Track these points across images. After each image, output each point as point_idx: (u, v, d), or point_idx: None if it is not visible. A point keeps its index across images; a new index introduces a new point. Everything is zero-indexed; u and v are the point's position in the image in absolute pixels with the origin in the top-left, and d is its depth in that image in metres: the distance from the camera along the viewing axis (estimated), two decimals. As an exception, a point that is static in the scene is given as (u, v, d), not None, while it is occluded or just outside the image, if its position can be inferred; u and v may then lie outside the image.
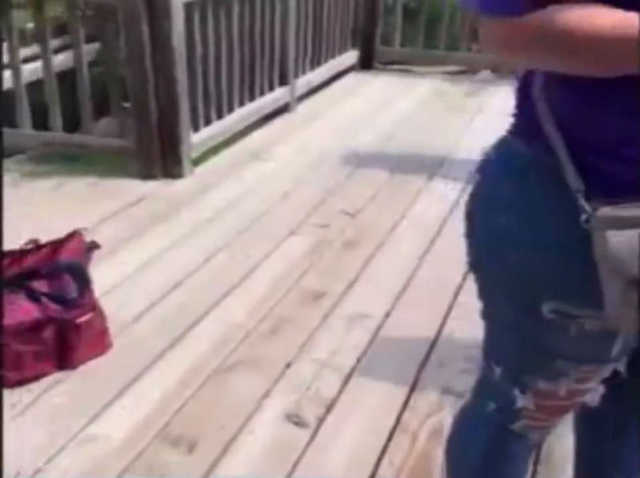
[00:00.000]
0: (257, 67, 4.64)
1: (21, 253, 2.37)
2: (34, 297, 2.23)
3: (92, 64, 4.33)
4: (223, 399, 2.24)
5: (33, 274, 2.28)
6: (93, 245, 2.39)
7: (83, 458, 1.99)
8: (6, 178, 3.80)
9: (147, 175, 3.91)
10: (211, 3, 3.96)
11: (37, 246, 2.40)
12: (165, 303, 2.76)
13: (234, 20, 4.23)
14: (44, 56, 3.93)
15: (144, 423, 2.13)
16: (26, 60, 4.21)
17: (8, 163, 4.07)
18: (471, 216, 1.21)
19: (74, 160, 4.15)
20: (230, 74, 4.34)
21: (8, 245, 2.53)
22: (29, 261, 2.35)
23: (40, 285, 2.25)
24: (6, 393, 2.21)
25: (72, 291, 2.28)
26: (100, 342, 2.39)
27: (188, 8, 3.71)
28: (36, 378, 2.28)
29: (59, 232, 2.99)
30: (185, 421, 2.15)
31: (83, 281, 2.30)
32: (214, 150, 4.32)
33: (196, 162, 4.11)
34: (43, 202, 3.63)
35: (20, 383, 2.25)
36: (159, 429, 2.11)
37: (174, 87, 3.71)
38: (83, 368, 2.35)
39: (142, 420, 2.15)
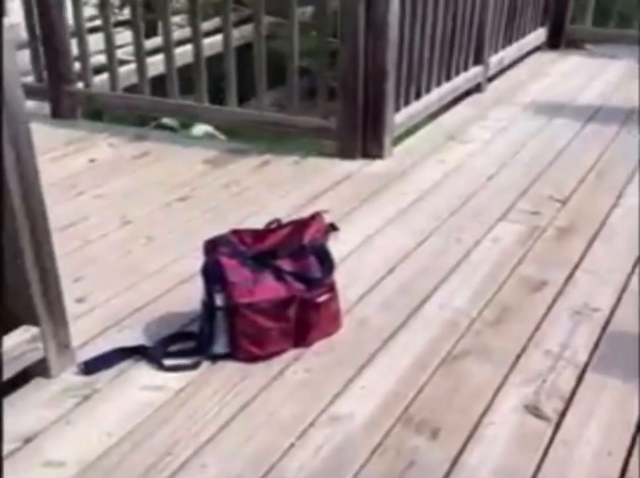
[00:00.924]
0: (456, 46, 4.59)
1: (264, 232, 2.44)
2: (279, 275, 2.29)
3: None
4: (459, 387, 2.24)
5: (277, 253, 2.34)
6: (333, 228, 2.43)
7: (332, 435, 2.03)
8: (210, 155, 3.94)
9: (346, 155, 3.94)
10: (424, -20, 3.94)
11: (279, 226, 2.46)
12: (386, 284, 2.78)
13: (440, 0, 4.19)
14: (225, 28, 4.02)
15: (384, 406, 2.15)
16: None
17: (210, 142, 4.21)
18: None
19: (276, 139, 4.25)
20: (432, 53, 4.31)
21: (254, 223, 2.63)
22: (272, 240, 2.40)
23: (284, 264, 2.31)
24: (248, 367, 2.29)
25: (316, 271, 2.32)
26: (334, 322, 2.44)
27: (403, -13, 3.71)
28: (275, 354, 2.34)
29: (271, 210, 3.10)
30: (425, 405, 2.16)
31: (327, 263, 2.34)
32: (410, 130, 4.31)
33: (394, 142, 4.11)
34: (251, 179, 3.72)
35: (261, 358, 2.32)
36: (400, 412, 2.12)
37: (384, 68, 3.71)
38: (316, 347, 2.40)
39: (382, 402, 2.17)
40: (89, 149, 4.05)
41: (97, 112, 4.61)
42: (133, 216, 3.28)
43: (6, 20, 1.85)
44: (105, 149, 4.05)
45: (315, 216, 2.44)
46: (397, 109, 4.05)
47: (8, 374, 2.12)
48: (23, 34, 4.27)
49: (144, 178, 3.68)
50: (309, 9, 5.57)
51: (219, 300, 2.28)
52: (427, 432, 2.06)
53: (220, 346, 2.32)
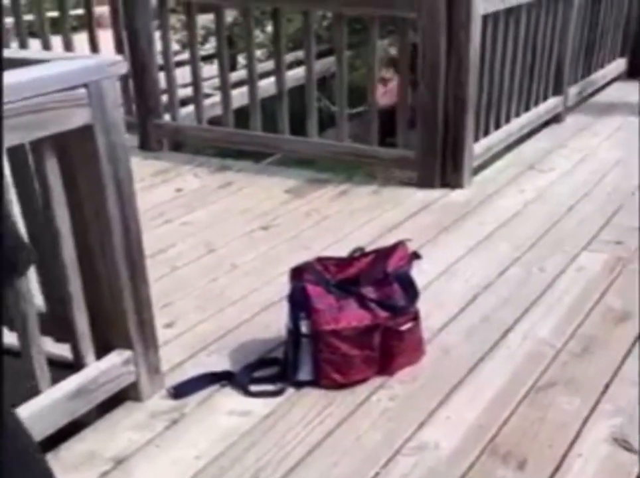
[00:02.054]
0: (535, 77, 4.58)
1: (348, 260, 2.47)
2: (364, 303, 2.31)
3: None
4: (545, 418, 2.22)
5: (361, 281, 2.37)
6: (416, 256, 2.44)
7: (418, 465, 2.04)
8: (291, 184, 4.00)
9: (425, 184, 3.95)
10: (503, 14, 3.95)
11: (362, 254, 2.49)
12: (468, 313, 2.78)
13: (521, 30, 4.20)
14: (307, 62, 4.10)
15: (470, 436, 2.15)
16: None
17: (291, 171, 4.28)
18: None
19: (355, 168, 4.30)
20: (511, 84, 4.31)
21: (334, 251, 2.67)
22: (356, 268, 2.43)
23: (368, 292, 2.33)
24: (333, 394, 2.31)
25: (400, 299, 2.34)
26: (417, 350, 2.45)
27: (484, 19, 3.73)
28: (359, 382, 2.36)
29: (351, 239, 3.13)
30: (510, 437, 2.14)
31: (411, 291, 2.35)
32: (489, 160, 4.31)
33: (473, 172, 4.11)
34: (331, 208, 3.77)
35: (345, 386, 2.34)
36: (486, 442, 2.12)
37: (464, 99, 3.73)
38: (400, 375, 2.41)
39: (467, 432, 2.16)
40: (175, 179, 4.16)
41: (178, 142, 4.73)
42: (218, 244, 3.35)
43: (111, 55, 1.95)
44: (191, 179, 4.16)
45: (398, 244, 2.47)
46: (476, 139, 4.06)
47: (102, 396, 2.19)
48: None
49: (228, 207, 3.76)
50: (385, 42, 5.64)
51: (304, 327, 2.31)
52: (513, 463, 2.04)
53: (304, 373, 2.35)
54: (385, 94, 5.53)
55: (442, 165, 3.93)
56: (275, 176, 4.19)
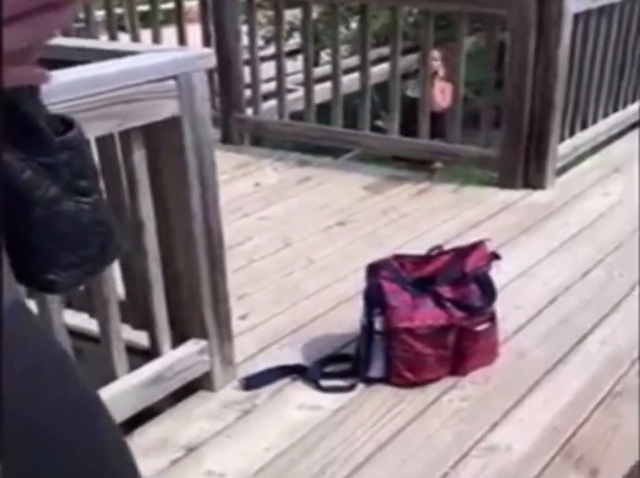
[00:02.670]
0: (625, 77, 4.45)
1: (426, 258, 2.45)
2: (439, 302, 2.29)
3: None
4: (620, 426, 2.16)
5: (437, 280, 2.35)
6: (495, 256, 2.41)
7: (488, 466, 2.01)
8: (369, 181, 3.99)
9: (506, 184, 3.89)
10: (595, 12, 3.86)
11: (440, 252, 2.47)
12: (546, 316, 2.73)
13: (613, 29, 4.10)
14: (392, 58, 4.08)
15: (543, 439, 2.11)
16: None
17: (370, 168, 4.27)
18: None
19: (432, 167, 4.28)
20: (600, 84, 4.20)
21: (411, 249, 2.66)
22: (433, 267, 2.41)
23: (445, 291, 2.31)
24: (404, 392, 2.30)
25: (477, 299, 2.32)
26: (491, 351, 2.41)
27: (575, 17, 3.65)
28: (430, 381, 2.34)
29: (428, 237, 3.11)
30: (584, 443, 2.10)
31: (489, 291, 2.32)
32: (574, 161, 4.21)
33: (557, 173, 4.03)
34: (409, 206, 3.75)
35: (416, 384, 2.33)
36: (559, 447, 2.08)
37: (551, 99, 3.67)
38: (473, 376, 2.38)
39: (540, 435, 2.13)
40: (254, 173, 4.20)
41: (258, 137, 4.77)
42: (295, 239, 3.37)
43: (200, 49, 1.97)
44: (270, 174, 4.19)
45: (477, 244, 2.43)
46: (561, 139, 3.97)
47: (177, 384, 2.23)
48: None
49: (305, 202, 3.78)
50: (471, 39, 5.57)
51: (378, 323, 2.31)
52: (586, 470, 2.00)
53: (376, 370, 2.35)
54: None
55: (525, 165, 3.86)
56: (353, 172, 4.19)
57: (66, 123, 0.90)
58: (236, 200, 3.73)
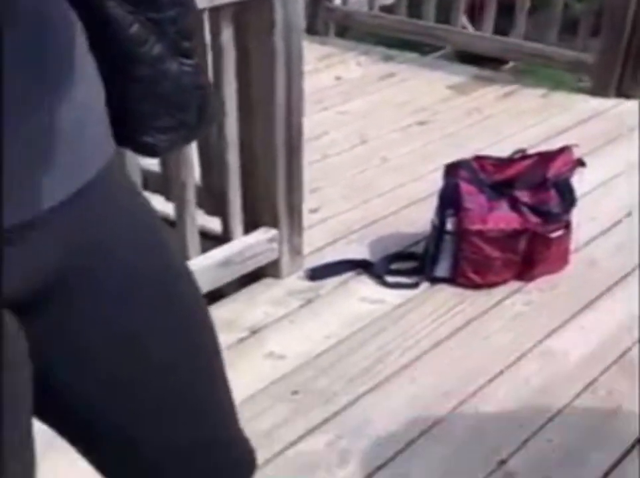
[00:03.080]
0: None
1: (507, 161, 2.41)
2: (515, 206, 2.27)
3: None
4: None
5: (517, 184, 2.32)
6: (580, 163, 2.35)
7: (544, 369, 2.03)
8: (455, 80, 3.91)
9: (599, 92, 3.76)
10: None
11: (523, 156, 2.42)
12: (620, 228, 2.68)
13: None
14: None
15: (601, 347, 2.11)
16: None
17: (456, 67, 4.17)
18: None
19: (524, 69, 4.15)
20: None
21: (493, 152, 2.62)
22: (514, 170, 2.37)
23: (523, 195, 2.28)
24: (467, 293, 2.32)
25: (555, 206, 2.28)
26: (561, 259, 2.39)
27: None
28: (496, 284, 2.34)
29: (511, 142, 3.04)
30: (645, 355, 2.09)
31: (568, 198, 2.29)
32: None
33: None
34: (494, 108, 3.66)
35: (481, 286, 2.34)
36: (617, 356, 2.08)
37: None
38: (539, 282, 2.37)
39: (599, 344, 2.13)
40: (337, 65, 4.16)
41: (344, 28, 4.69)
42: (372, 136, 3.36)
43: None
44: (353, 68, 4.14)
45: (564, 149, 2.38)
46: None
47: (245, 269, 2.29)
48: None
49: (386, 99, 3.74)
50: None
51: (450, 224, 2.30)
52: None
53: (442, 270, 2.36)
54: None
55: (621, 73, 3.71)
56: (439, 70, 4.10)
57: None
58: (317, 92, 3.70)
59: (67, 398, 0.89)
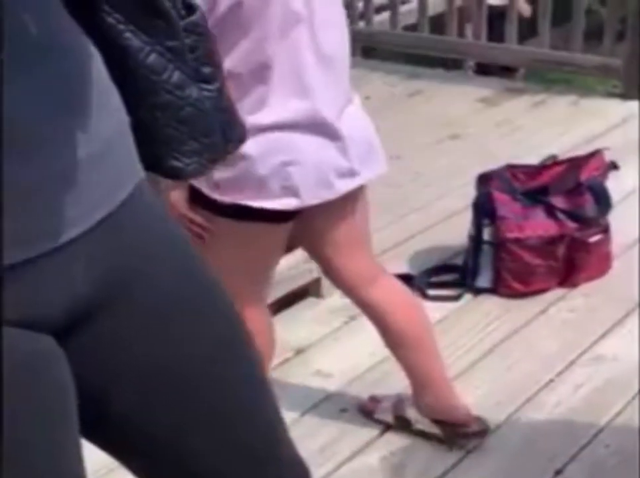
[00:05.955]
0: None
1: (539, 169, 2.40)
2: (551, 213, 2.26)
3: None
4: None
5: (550, 190, 2.30)
6: (614, 166, 2.34)
7: (594, 376, 2.01)
8: (484, 93, 3.90)
9: (630, 96, 3.73)
10: None
11: (555, 162, 2.41)
12: (662, 231, 2.64)
13: None
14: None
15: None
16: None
17: (485, 80, 4.17)
18: None
19: (552, 78, 4.14)
20: None
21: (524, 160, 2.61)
22: (546, 177, 2.37)
23: (558, 202, 2.27)
24: (511, 302, 2.30)
25: (590, 210, 2.27)
26: (603, 263, 2.37)
27: None
28: (538, 292, 2.32)
29: (543, 152, 3.02)
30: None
31: (603, 202, 2.27)
32: None
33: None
34: (525, 118, 3.65)
35: (524, 295, 2.31)
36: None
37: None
38: (582, 287, 2.35)
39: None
40: (364, 86, 4.15)
41: (368, 49, 4.71)
42: (404, 152, 3.35)
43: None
44: (381, 87, 4.15)
45: (595, 153, 2.36)
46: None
47: (285, 290, 2.29)
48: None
49: (417, 115, 3.74)
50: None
51: (487, 234, 2.30)
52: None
53: (483, 280, 2.34)
54: None
55: (649, 77, 3.69)
56: (467, 84, 4.10)
57: (188, 7, 0.89)
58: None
59: (119, 421, 0.90)
